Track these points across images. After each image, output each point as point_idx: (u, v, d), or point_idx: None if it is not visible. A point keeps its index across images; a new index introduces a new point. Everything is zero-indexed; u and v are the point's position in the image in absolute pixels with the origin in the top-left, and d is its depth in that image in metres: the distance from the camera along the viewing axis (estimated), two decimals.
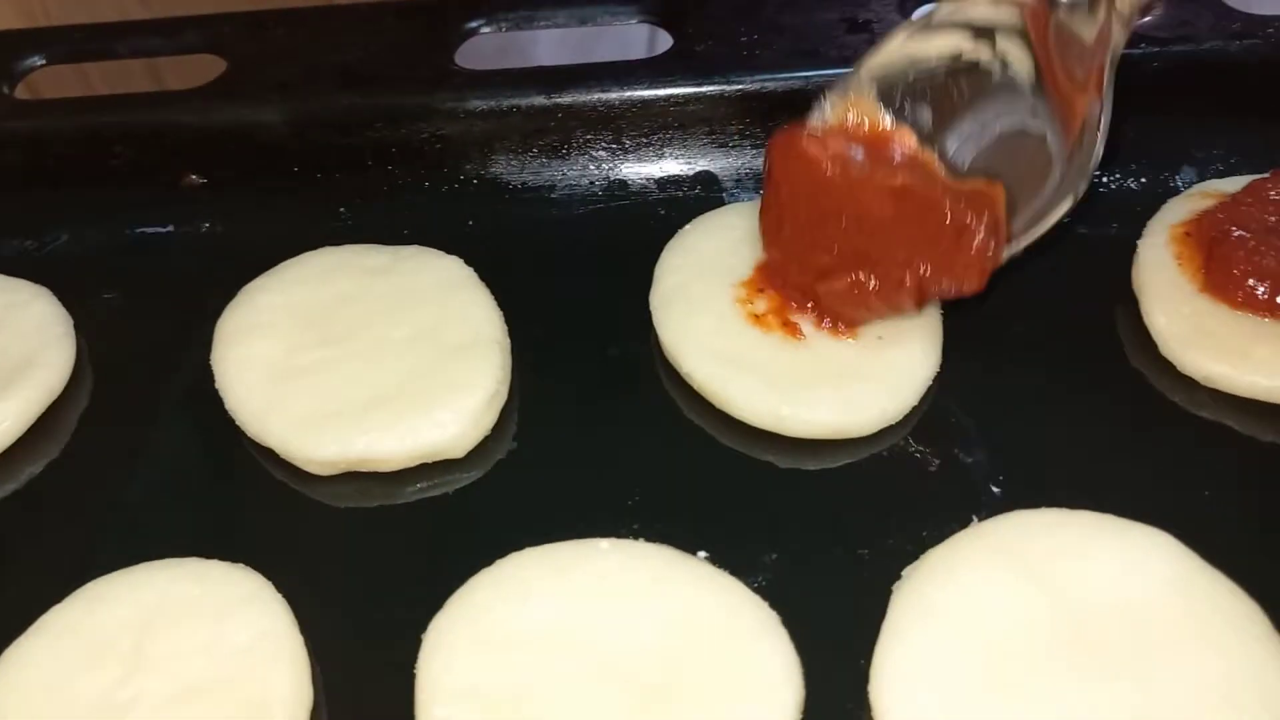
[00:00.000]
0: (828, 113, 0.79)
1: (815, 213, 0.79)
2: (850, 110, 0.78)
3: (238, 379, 0.83)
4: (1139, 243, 0.88)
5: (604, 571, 0.71)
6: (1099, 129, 0.78)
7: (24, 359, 0.86)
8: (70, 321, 0.90)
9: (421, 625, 0.70)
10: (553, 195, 0.99)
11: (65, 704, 0.67)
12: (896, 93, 0.79)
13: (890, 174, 0.76)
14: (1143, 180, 0.97)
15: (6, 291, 0.91)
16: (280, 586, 0.73)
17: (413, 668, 0.69)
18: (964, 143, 0.80)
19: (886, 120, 0.78)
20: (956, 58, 0.80)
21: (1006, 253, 0.78)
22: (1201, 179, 0.95)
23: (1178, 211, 0.90)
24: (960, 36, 0.80)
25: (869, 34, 0.99)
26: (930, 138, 0.79)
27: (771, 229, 0.83)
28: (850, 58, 0.88)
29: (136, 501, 0.81)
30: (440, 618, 0.70)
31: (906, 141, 0.78)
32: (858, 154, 0.77)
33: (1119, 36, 0.79)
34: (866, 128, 0.78)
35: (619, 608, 0.70)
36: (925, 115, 0.79)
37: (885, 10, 1.01)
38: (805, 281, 0.82)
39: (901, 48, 0.80)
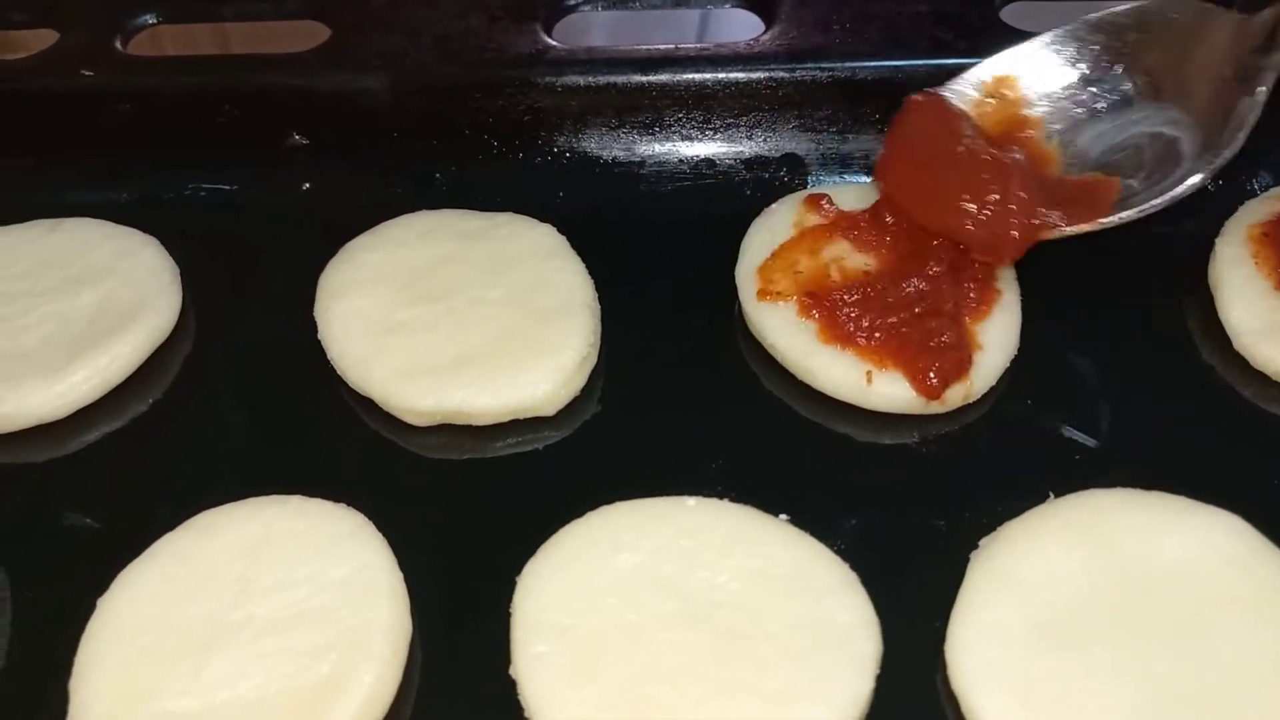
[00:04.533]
0: (979, 82, 0.87)
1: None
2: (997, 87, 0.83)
3: (341, 330, 0.87)
4: (1217, 240, 0.90)
5: (689, 526, 0.74)
6: (1239, 135, 0.82)
7: (133, 304, 0.90)
8: (177, 270, 0.94)
9: (511, 570, 0.74)
10: (642, 171, 1.02)
11: (178, 624, 0.71)
12: (1053, 71, 0.85)
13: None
14: (1220, 182, 0.98)
15: (117, 239, 0.95)
16: (377, 527, 0.76)
17: (503, 609, 0.72)
18: (1097, 138, 0.86)
19: (1027, 110, 0.83)
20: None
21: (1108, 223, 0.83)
22: (1279, 183, 0.97)
23: (1256, 212, 0.92)
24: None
25: (959, 25, 1.01)
26: (1064, 131, 0.85)
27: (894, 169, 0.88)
28: (940, 47, 0.91)
29: (239, 442, 0.85)
30: (534, 562, 0.73)
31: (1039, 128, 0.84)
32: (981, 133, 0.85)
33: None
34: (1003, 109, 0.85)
35: (703, 559, 0.72)
36: (1071, 107, 0.84)
37: (974, 2, 1.03)
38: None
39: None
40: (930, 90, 0.87)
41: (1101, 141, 0.86)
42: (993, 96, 0.86)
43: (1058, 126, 0.88)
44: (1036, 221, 0.82)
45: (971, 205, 0.82)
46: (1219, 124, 0.84)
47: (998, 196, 0.81)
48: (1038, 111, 0.88)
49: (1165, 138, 0.85)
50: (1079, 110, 0.87)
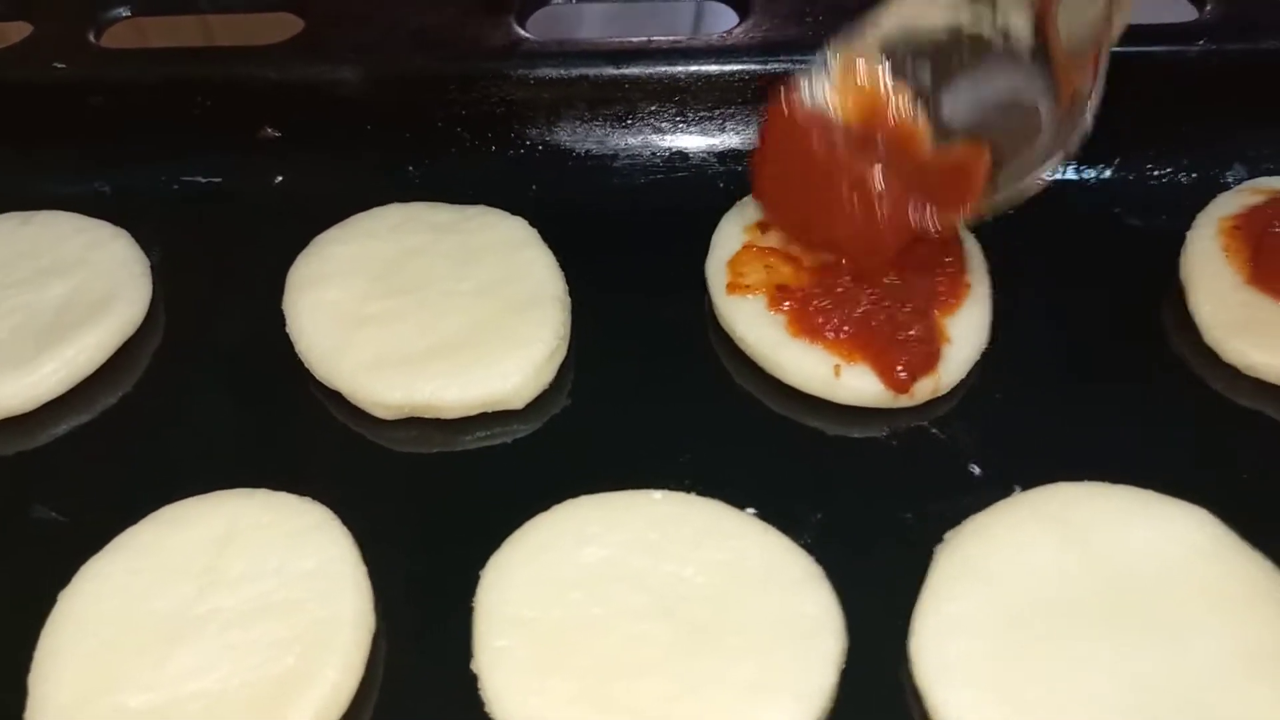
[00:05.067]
0: (832, 68, 0.83)
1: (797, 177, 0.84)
2: (855, 64, 0.82)
3: (309, 323, 0.86)
4: (1189, 234, 0.90)
5: (655, 519, 0.74)
6: (1088, 107, 0.80)
7: (103, 296, 0.90)
8: (147, 262, 0.93)
9: (478, 564, 0.73)
10: (615, 164, 1.02)
11: (142, 618, 0.70)
12: (900, 50, 0.82)
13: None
14: (1194, 175, 0.99)
15: (87, 231, 0.95)
16: (343, 521, 0.76)
17: (469, 602, 0.72)
18: (958, 104, 0.83)
19: (887, 78, 0.81)
20: (958, 30, 0.83)
21: (986, 208, 0.81)
22: (1253, 176, 0.97)
23: (1228, 206, 0.91)
24: (963, 6, 0.83)
25: None
26: (927, 97, 0.82)
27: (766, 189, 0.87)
28: None
29: (206, 435, 0.85)
30: (499, 555, 0.73)
31: (900, 103, 0.81)
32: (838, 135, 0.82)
33: (1119, 20, 0.81)
34: (866, 85, 0.82)
35: (669, 553, 0.72)
36: (925, 74, 0.82)
37: None
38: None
39: (906, 10, 0.83)
40: (785, 89, 0.83)
41: (964, 104, 0.83)
42: (856, 70, 0.83)
43: (921, 95, 0.83)
44: (909, 218, 0.80)
45: (839, 220, 0.81)
46: (1068, 83, 0.82)
47: (861, 217, 0.80)
48: (898, 80, 0.84)
49: (1023, 100, 0.83)
50: (933, 79, 0.84)
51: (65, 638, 0.70)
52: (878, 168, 0.80)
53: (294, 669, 0.68)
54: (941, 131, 0.82)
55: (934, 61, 0.83)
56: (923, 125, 0.82)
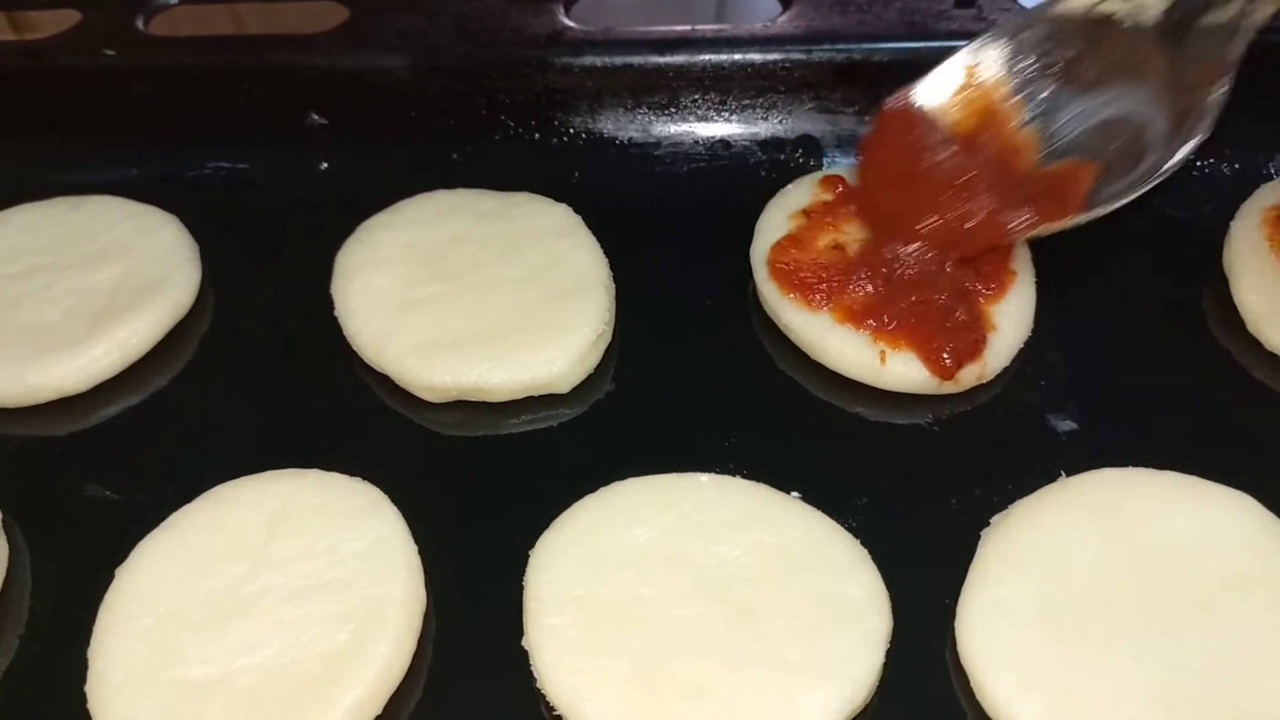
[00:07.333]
0: (952, 78, 0.86)
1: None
2: (976, 72, 0.83)
3: (358, 308, 0.87)
4: (1232, 224, 0.91)
5: (702, 501, 0.75)
6: (1209, 115, 0.81)
7: (153, 280, 0.91)
8: (196, 247, 0.95)
9: (526, 544, 0.74)
10: (657, 152, 1.03)
11: (198, 594, 0.72)
12: (1025, 57, 0.84)
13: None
14: (1236, 166, 0.99)
15: (137, 216, 0.96)
16: (393, 502, 0.77)
17: (515, 582, 0.73)
18: (1071, 120, 0.85)
19: (1007, 89, 0.83)
20: (1092, 7, 0.84)
21: (1077, 221, 0.82)
22: None
23: (1271, 196, 0.92)
24: None
25: (976, 9, 1.01)
26: (1041, 112, 0.84)
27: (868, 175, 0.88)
28: (957, 32, 0.91)
29: (256, 418, 0.86)
30: (548, 535, 0.74)
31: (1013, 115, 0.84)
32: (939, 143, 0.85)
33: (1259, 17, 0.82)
34: (984, 94, 0.85)
35: (716, 534, 0.73)
36: (1045, 92, 0.83)
37: None
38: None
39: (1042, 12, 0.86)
40: (900, 94, 0.87)
41: (1076, 125, 0.85)
42: (969, 85, 0.86)
43: (1033, 112, 0.87)
44: (1006, 224, 0.82)
45: (934, 214, 0.83)
46: (1187, 107, 0.83)
47: (957, 215, 0.82)
48: (1013, 97, 0.87)
49: (1137, 120, 0.84)
50: (1053, 94, 0.86)
51: (124, 613, 0.71)
52: (982, 170, 0.82)
53: (346, 645, 0.69)
54: (1048, 149, 0.83)
55: (1057, 81, 0.86)
56: (1031, 140, 0.83)
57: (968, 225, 0.82)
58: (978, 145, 0.85)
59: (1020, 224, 0.81)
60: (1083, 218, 0.81)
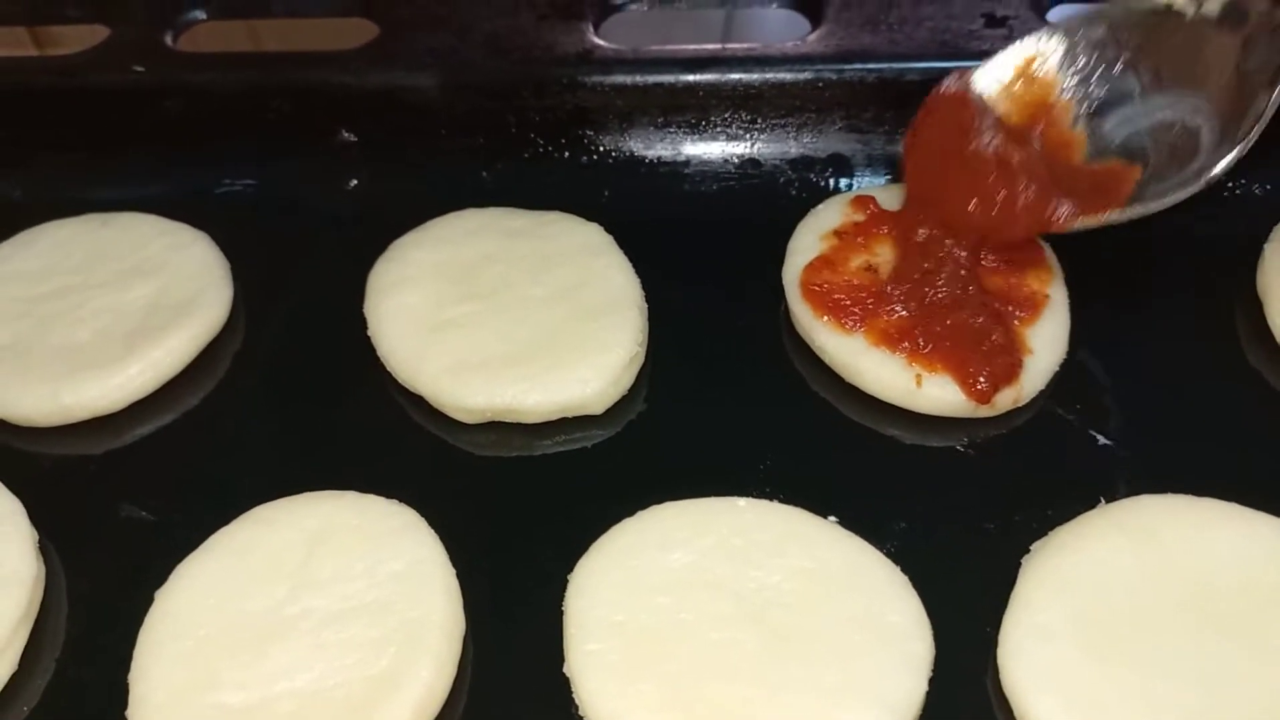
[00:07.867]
0: (1009, 69, 0.88)
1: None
2: (1033, 66, 0.87)
3: (391, 327, 0.87)
4: (1266, 245, 0.90)
5: (739, 525, 0.75)
6: (1259, 122, 0.82)
7: (186, 299, 0.91)
8: (228, 265, 0.95)
9: (561, 567, 0.74)
10: (687, 170, 1.03)
11: (236, 617, 0.72)
12: (1082, 56, 0.86)
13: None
14: (1268, 186, 0.98)
15: (168, 234, 0.96)
16: (427, 523, 0.77)
17: (552, 606, 0.73)
18: (1121, 124, 0.86)
19: (1065, 84, 0.86)
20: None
21: (1117, 218, 0.83)
22: None
23: None
24: None
25: (1006, 29, 1.01)
26: (1093, 112, 0.86)
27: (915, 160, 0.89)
28: (988, 52, 0.91)
29: (290, 437, 0.86)
30: (587, 560, 0.74)
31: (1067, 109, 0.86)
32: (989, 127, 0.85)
33: None
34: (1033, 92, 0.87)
35: (754, 558, 0.73)
36: (1101, 90, 0.85)
37: (1022, 6, 1.03)
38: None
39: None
40: (960, 75, 0.88)
41: (1126, 127, 0.86)
42: (1024, 78, 0.87)
43: (1085, 110, 0.88)
44: (1047, 214, 0.82)
45: (981, 198, 0.83)
46: (1237, 116, 0.84)
47: (1003, 196, 0.82)
48: (1066, 94, 0.88)
49: (1186, 127, 0.85)
50: (1106, 94, 0.88)
51: (163, 636, 0.71)
52: (1031, 157, 0.82)
53: (388, 669, 0.69)
54: (1095, 149, 0.83)
55: (1110, 82, 0.87)
56: (1079, 139, 0.84)
57: (1010, 209, 0.82)
58: (1027, 138, 0.85)
59: (1061, 213, 0.81)
60: (1124, 215, 0.82)
